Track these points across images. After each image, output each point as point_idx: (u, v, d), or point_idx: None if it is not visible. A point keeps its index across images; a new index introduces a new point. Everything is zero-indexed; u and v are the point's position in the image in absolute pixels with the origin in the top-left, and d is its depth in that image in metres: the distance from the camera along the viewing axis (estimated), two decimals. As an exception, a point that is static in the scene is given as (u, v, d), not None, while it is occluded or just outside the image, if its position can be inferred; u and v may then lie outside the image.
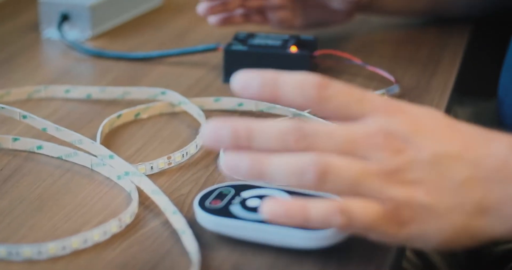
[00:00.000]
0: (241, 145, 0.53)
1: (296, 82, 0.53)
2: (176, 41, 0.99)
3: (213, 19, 0.93)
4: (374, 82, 0.85)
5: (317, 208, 0.52)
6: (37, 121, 0.70)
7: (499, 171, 0.53)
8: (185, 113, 0.78)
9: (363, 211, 0.52)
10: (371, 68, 0.86)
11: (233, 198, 0.61)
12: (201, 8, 0.92)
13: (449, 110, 0.85)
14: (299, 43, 0.86)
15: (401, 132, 0.53)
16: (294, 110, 0.75)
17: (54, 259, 0.57)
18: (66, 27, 0.98)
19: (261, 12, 0.94)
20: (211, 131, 0.53)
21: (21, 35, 1.00)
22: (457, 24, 1.01)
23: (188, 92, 0.83)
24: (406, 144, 0.53)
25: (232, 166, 0.53)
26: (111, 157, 0.67)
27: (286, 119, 0.53)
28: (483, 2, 0.99)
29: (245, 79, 0.53)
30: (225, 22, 0.93)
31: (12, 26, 1.03)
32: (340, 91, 0.53)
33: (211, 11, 0.92)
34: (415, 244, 0.55)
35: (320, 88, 0.53)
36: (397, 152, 0.53)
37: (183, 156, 0.69)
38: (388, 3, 0.95)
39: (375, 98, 0.54)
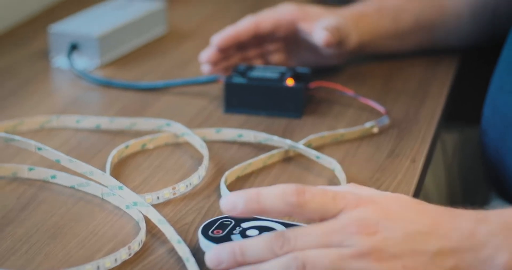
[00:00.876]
0: (238, 260, 0.60)
1: (276, 194, 0.60)
2: (180, 70, 1.03)
3: (219, 71, 0.97)
4: (365, 113, 0.90)
5: None
6: (51, 153, 0.75)
7: (467, 239, 0.59)
8: (188, 143, 0.83)
9: None
10: (362, 99, 0.91)
11: (233, 228, 0.66)
12: (206, 69, 0.95)
13: (437, 139, 0.90)
14: (295, 75, 0.91)
15: (373, 218, 0.59)
16: (289, 141, 0.80)
17: (70, 285, 0.62)
18: (75, 56, 1.02)
19: (261, 56, 0.99)
20: (214, 254, 0.61)
21: (31, 63, 1.04)
22: (445, 55, 1.04)
23: (192, 122, 0.88)
24: (378, 227, 0.59)
25: None
26: (120, 188, 0.72)
27: (269, 232, 0.61)
28: (472, 37, 1.03)
29: (232, 200, 0.60)
30: (230, 68, 0.97)
31: (21, 54, 1.07)
32: (316, 194, 0.60)
33: (216, 69, 0.96)
34: None
35: (298, 195, 0.59)
36: (370, 234, 0.59)
37: (186, 187, 0.75)
38: (378, 47, 1.00)
39: (346, 194, 0.61)
